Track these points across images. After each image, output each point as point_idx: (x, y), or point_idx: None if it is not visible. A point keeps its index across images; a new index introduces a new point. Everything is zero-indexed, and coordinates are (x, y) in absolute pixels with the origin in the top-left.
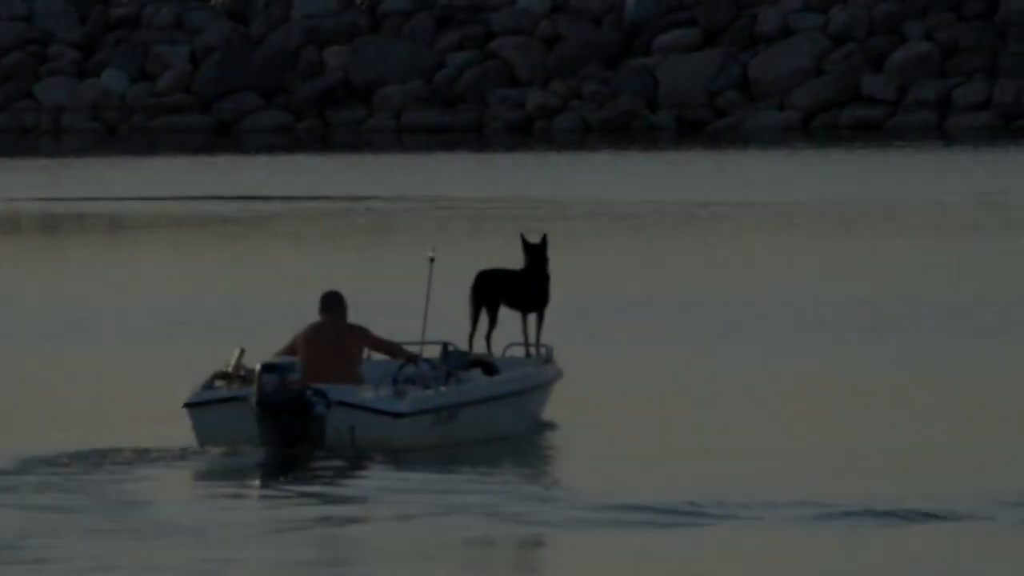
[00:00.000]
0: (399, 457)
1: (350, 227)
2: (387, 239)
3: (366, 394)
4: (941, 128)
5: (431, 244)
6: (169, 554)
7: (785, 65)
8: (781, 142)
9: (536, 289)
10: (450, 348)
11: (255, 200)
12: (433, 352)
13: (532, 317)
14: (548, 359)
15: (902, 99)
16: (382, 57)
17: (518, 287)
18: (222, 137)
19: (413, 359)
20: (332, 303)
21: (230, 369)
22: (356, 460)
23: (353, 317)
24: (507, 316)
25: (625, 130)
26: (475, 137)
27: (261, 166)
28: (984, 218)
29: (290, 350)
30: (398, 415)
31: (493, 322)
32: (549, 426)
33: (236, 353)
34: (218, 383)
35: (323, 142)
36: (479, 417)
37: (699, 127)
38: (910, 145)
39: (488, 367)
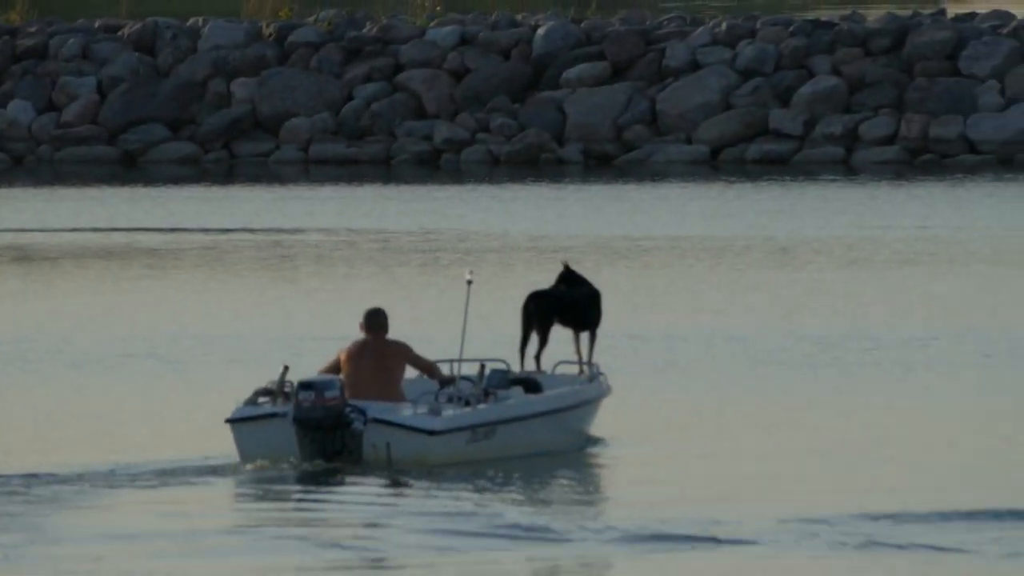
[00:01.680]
0: (432, 474)
1: (256, 259)
2: (296, 270)
3: (403, 411)
4: (848, 162)
5: (469, 268)
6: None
7: (693, 99)
8: (689, 176)
9: (590, 308)
10: (497, 367)
11: (162, 232)
12: (475, 370)
13: (584, 336)
14: (596, 376)
15: (809, 133)
16: (289, 89)
17: (571, 306)
18: (129, 168)
19: (451, 381)
20: (375, 321)
21: (274, 386)
22: (390, 476)
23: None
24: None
25: (533, 163)
26: (382, 169)
27: (168, 197)
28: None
29: (334, 366)
30: (432, 432)
31: (544, 341)
32: (595, 442)
33: (281, 370)
34: (261, 399)
35: (230, 174)
36: (518, 434)
37: (607, 161)
38: (817, 179)
39: (530, 385)
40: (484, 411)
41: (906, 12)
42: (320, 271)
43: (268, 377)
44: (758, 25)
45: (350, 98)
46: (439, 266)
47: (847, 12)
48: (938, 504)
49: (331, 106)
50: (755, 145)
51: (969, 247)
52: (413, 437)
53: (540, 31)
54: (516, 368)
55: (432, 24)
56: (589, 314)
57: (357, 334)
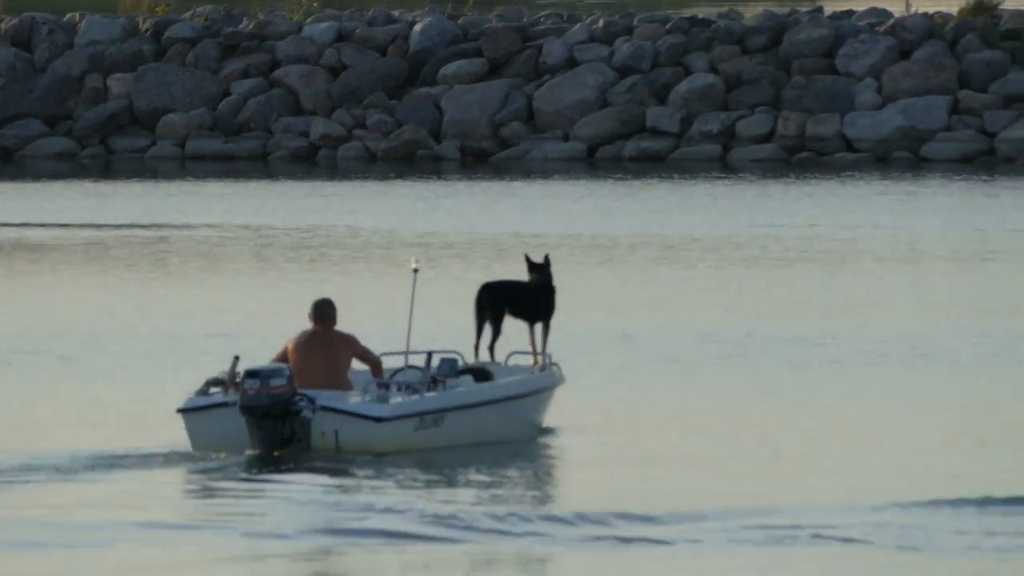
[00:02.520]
0: (379, 462)
1: (133, 255)
2: (171, 267)
3: (351, 399)
4: (724, 160)
5: (415, 256)
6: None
7: (570, 96)
8: (565, 173)
9: (541, 299)
10: (448, 357)
11: (37, 227)
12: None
13: (538, 327)
14: (548, 367)
15: (686, 131)
16: (166, 85)
17: (523, 297)
18: (6, 163)
19: (385, 386)
20: (323, 312)
21: (225, 376)
22: (338, 464)
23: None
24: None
25: (409, 160)
26: (259, 165)
27: (46, 193)
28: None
29: (282, 356)
30: (380, 420)
31: (496, 332)
32: (546, 432)
33: (232, 360)
34: (212, 389)
35: (107, 169)
36: (467, 422)
37: (483, 157)
38: (694, 177)
39: (480, 374)
40: (432, 399)
41: (783, 10)
42: (206, 266)
43: (156, 372)
44: (635, 22)
45: (227, 94)
46: (328, 262)
47: (724, 10)
48: (877, 497)
49: (208, 102)
50: (632, 142)
51: (856, 245)
52: (361, 425)
53: (417, 27)
54: (471, 359)
55: (309, 20)
56: (541, 305)
57: (279, 329)
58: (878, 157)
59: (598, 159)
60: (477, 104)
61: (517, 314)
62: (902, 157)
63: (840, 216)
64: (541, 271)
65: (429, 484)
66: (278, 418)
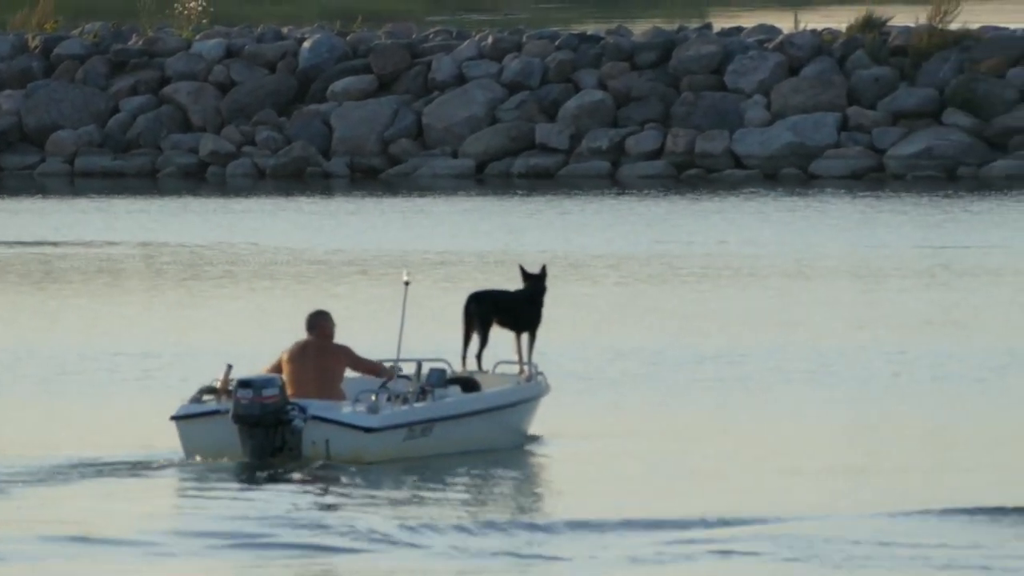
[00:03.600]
0: (369, 470)
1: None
2: (60, 284)
3: (342, 409)
4: (614, 177)
5: (406, 269)
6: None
7: (459, 113)
8: (455, 190)
9: (528, 309)
10: (436, 367)
11: None
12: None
13: (524, 337)
14: (535, 376)
15: (575, 147)
16: (55, 102)
17: (510, 307)
18: None
19: (393, 376)
20: (317, 322)
21: (218, 384)
22: (328, 473)
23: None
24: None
25: (299, 176)
26: (148, 182)
27: None
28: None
29: (277, 366)
30: (370, 429)
31: (483, 341)
32: (533, 440)
33: (224, 369)
34: (206, 397)
35: None
36: (455, 432)
37: (373, 174)
38: (583, 193)
39: (468, 384)
40: (421, 409)
41: (672, 26)
42: (111, 283)
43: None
44: (524, 39)
45: (116, 111)
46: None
47: (613, 26)
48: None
49: (97, 119)
50: (521, 159)
51: (749, 262)
52: (351, 434)
53: (306, 44)
54: (458, 368)
55: (198, 37)
56: (527, 315)
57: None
58: (767, 174)
59: (487, 176)
60: (366, 121)
61: (504, 323)
62: (791, 174)
63: (731, 233)
64: (535, 282)
65: (415, 492)
66: (270, 427)
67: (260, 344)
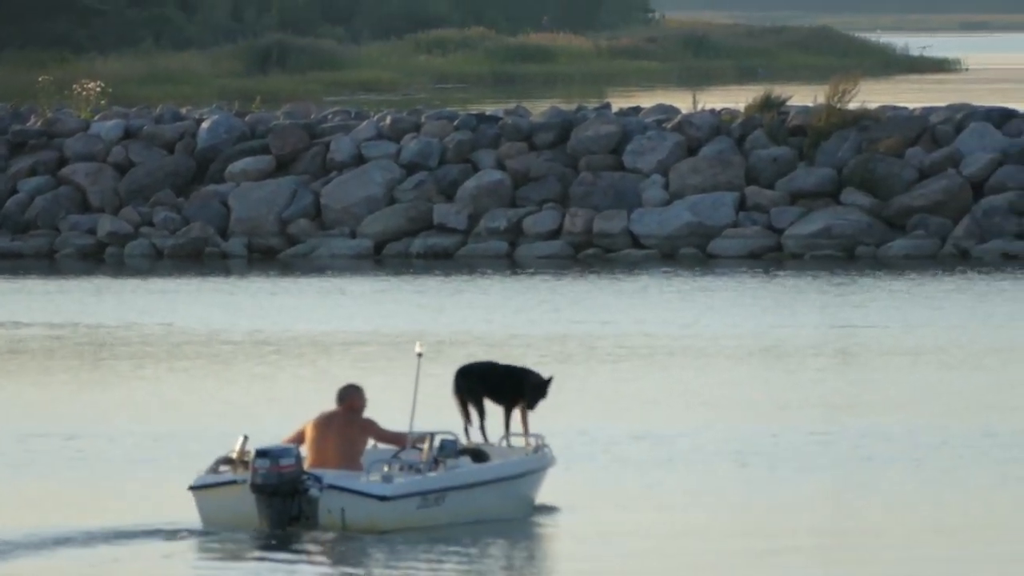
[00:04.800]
0: (384, 539)
1: None
2: None
3: (357, 478)
4: (512, 256)
5: (419, 341)
6: None
7: (357, 193)
8: (353, 270)
9: (516, 382)
10: (446, 438)
11: None
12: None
13: (517, 408)
14: (541, 448)
15: (474, 227)
16: None
17: (498, 379)
18: None
19: (421, 440)
20: (348, 395)
21: (234, 455)
22: (344, 541)
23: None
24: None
25: (197, 257)
26: (46, 263)
27: None
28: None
29: (299, 435)
30: (384, 498)
31: (481, 413)
32: (541, 510)
33: (240, 439)
34: (222, 467)
35: None
36: (466, 501)
37: (271, 254)
38: (482, 273)
39: (477, 455)
40: (434, 478)
41: (571, 106)
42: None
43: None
44: (423, 119)
45: (14, 191)
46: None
47: (512, 106)
48: None
49: None
50: (419, 239)
51: (656, 342)
52: (366, 503)
53: (204, 125)
54: (464, 441)
55: (97, 118)
56: (514, 388)
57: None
58: (665, 254)
59: (386, 256)
60: (265, 201)
61: (495, 396)
62: (689, 254)
63: (628, 312)
64: (534, 377)
65: (428, 561)
66: (287, 496)
67: (189, 424)
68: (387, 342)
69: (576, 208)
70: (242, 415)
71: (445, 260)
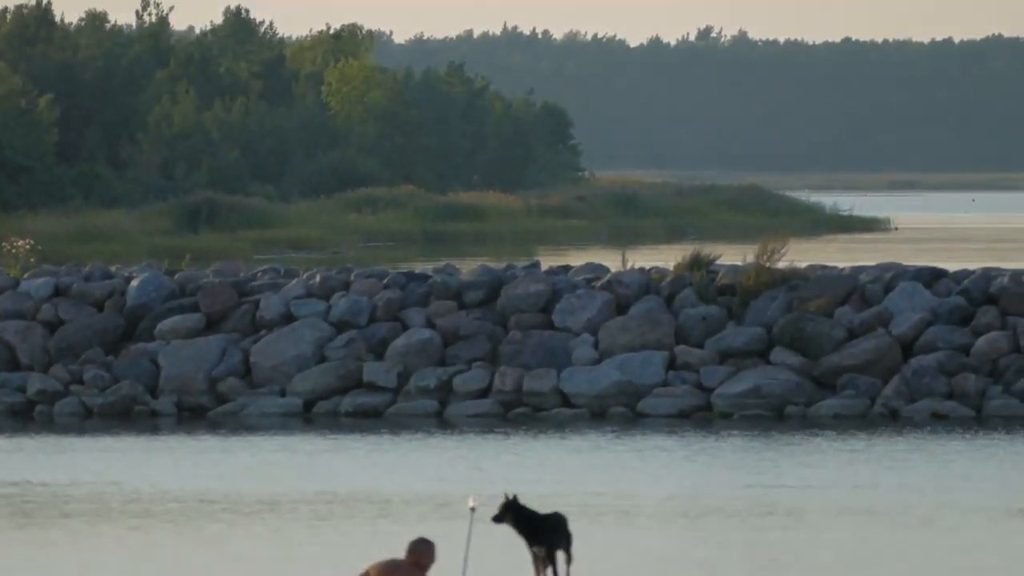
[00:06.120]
0: None
1: None
2: None
3: None
4: (442, 415)
5: (472, 496)
6: None
7: (287, 352)
8: (281, 428)
9: (556, 526)
10: None
11: None
12: None
13: (560, 556)
14: None
15: (403, 386)
16: None
17: (538, 525)
18: None
19: None
20: (418, 548)
21: None
22: None
23: None
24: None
25: (126, 415)
26: None
27: None
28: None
29: None
30: None
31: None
32: None
33: None
34: None
35: None
36: None
37: (201, 413)
38: (411, 433)
39: None
40: None
41: (500, 265)
42: None
43: None
44: (352, 277)
45: None
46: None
47: (441, 265)
48: None
49: None
50: (349, 397)
51: (588, 500)
52: None
53: (134, 283)
54: None
55: (26, 276)
56: (557, 531)
57: None
58: (595, 412)
59: (315, 414)
60: (194, 359)
61: (533, 540)
62: (619, 412)
63: (552, 472)
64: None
65: None
66: None
67: None
68: (336, 500)
69: (506, 367)
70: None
71: (375, 419)
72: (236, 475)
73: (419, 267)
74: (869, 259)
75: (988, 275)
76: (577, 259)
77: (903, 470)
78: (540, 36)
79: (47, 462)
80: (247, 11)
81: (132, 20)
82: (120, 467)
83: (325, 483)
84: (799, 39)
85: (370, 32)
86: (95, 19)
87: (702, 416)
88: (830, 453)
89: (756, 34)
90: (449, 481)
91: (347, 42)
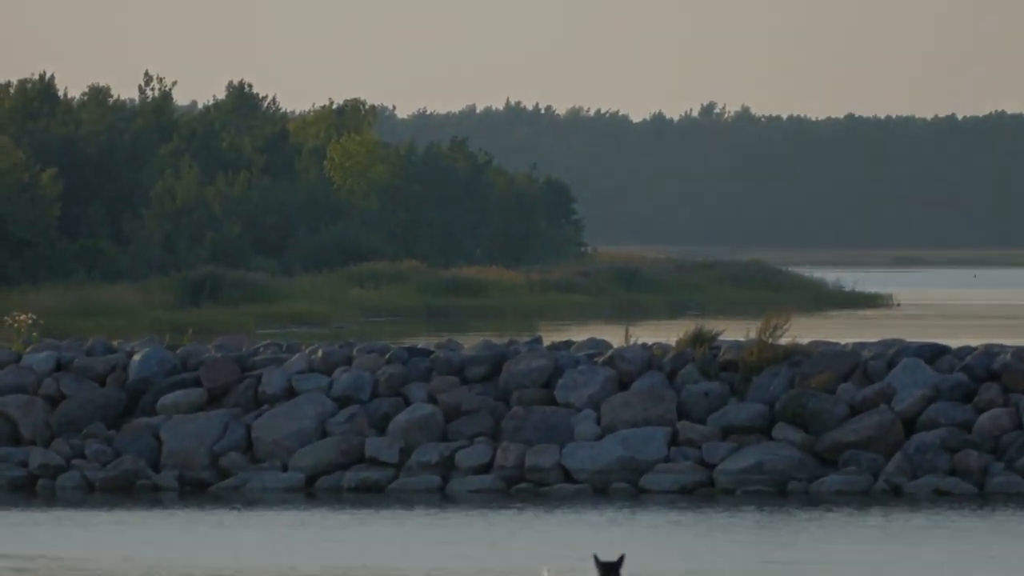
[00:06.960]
0: None
1: None
2: None
3: None
4: (444, 491)
5: (546, 567)
6: None
7: (289, 426)
8: (284, 503)
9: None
10: None
11: None
12: None
13: None
14: None
15: (405, 461)
16: None
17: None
18: None
19: None
20: (606, 570)
21: None
22: None
23: None
24: None
25: (128, 490)
26: None
27: None
28: None
29: None
30: None
31: None
32: None
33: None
34: None
35: None
36: None
37: (203, 487)
38: (413, 508)
39: None
40: None
41: (503, 340)
42: None
43: None
44: (354, 352)
45: None
46: None
47: (443, 340)
48: None
49: None
50: (351, 473)
51: None
52: None
53: (136, 357)
54: None
55: (28, 350)
56: None
57: None
58: (597, 488)
59: (317, 489)
60: (196, 434)
61: None
62: (621, 488)
63: (559, 548)
64: (610, 570)
65: None
66: None
67: None
68: (350, 574)
69: (508, 442)
70: None
71: (377, 494)
72: (246, 550)
73: (421, 342)
74: (871, 335)
75: (990, 351)
76: (579, 334)
77: (904, 548)
78: (543, 111)
79: (64, 535)
80: (250, 85)
81: (135, 95)
82: (128, 541)
83: (337, 558)
84: (802, 115)
85: (373, 107)
86: (98, 94)
87: (704, 492)
88: (832, 530)
89: (759, 110)
90: (448, 555)
91: (350, 117)
